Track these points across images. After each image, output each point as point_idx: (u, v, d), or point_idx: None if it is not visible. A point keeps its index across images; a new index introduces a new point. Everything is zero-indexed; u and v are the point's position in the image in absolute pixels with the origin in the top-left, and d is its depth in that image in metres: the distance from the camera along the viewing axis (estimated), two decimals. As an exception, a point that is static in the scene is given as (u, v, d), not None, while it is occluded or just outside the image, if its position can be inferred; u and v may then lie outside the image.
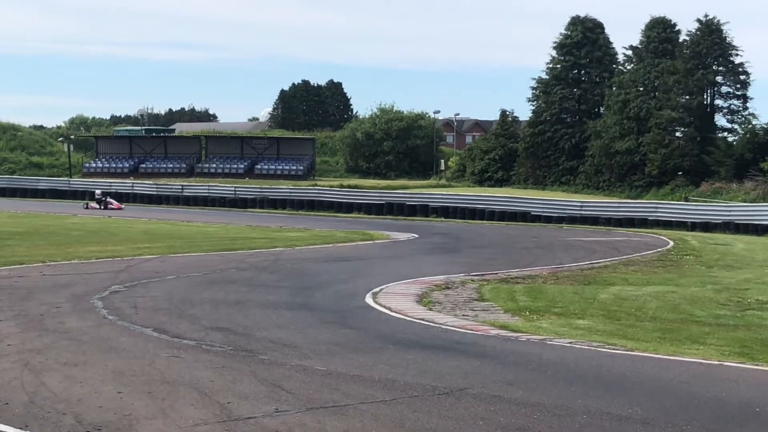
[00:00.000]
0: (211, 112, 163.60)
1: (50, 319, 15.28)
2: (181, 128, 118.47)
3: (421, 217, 55.85)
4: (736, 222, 48.17)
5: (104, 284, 20.19)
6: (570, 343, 14.24)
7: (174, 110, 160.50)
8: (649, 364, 12.69)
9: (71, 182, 73.47)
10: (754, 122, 71.18)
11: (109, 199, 57.70)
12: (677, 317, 17.66)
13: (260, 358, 12.38)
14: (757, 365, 12.70)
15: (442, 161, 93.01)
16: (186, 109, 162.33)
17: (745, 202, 56.98)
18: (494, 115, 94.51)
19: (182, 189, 66.76)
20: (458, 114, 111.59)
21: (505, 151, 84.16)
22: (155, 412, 9.30)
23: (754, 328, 16.30)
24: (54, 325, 14.77)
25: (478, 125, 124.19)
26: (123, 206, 57.54)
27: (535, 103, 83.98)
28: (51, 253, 26.85)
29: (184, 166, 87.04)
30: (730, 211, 50.70)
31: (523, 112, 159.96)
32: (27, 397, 9.86)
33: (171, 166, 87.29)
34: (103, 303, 17.38)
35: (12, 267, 23.30)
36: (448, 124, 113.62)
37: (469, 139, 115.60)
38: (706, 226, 48.46)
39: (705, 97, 74.10)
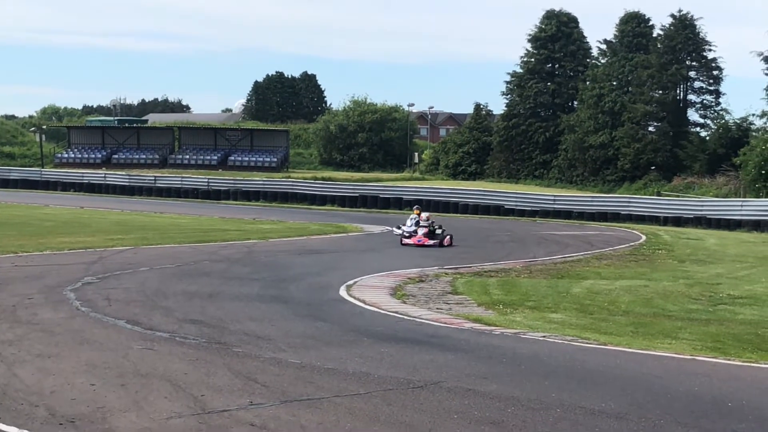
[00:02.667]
0: (184, 103, 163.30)
1: (23, 311, 15.19)
2: (154, 119, 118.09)
3: (395, 210, 55.84)
4: (708, 217, 48.37)
5: (77, 275, 20.08)
6: (543, 336, 14.28)
7: (147, 101, 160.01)
8: (622, 358, 12.74)
9: (43, 173, 73.02)
10: (726, 117, 71.63)
11: None
12: (650, 311, 17.74)
13: (234, 350, 12.34)
14: (729, 360, 12.78)
15: (416, 154, 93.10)
16: (159, 99, 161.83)
17: (717, 197, 57.30)
18: (468, 109, 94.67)
19: (155, 180, 66.45)
20: (432, 107, 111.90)
21: (478, 144, 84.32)
22: (129, 405, 9.26)
23: (726, 323, 16.40)
24: (26, 316, 14.68)
25: (452, 118, 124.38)
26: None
27: (509, 96, 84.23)
28: (23, 243, 26.69)
29: (157, 157, 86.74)
30: (702, 206, 50.94)
31: (498, 105, 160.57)
32: (-1, 389, 9.80)
33: (144, 157, 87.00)
34: (76, 294, 17.29)
35: (-17, 258, 23.14)
36: (422, 117, 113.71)
37: (443, 132, 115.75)
38: (678, 221, 48.71)
39: (678, 92, 74.46)
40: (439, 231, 31.62)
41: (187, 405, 9.33)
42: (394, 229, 34.64)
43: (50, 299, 16.66)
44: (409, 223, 33.37)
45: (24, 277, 19.70)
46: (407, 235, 31.74)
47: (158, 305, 16.40)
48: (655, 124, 73.44)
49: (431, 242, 30.74)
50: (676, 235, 39.78)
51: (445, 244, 30.98)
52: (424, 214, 32.74)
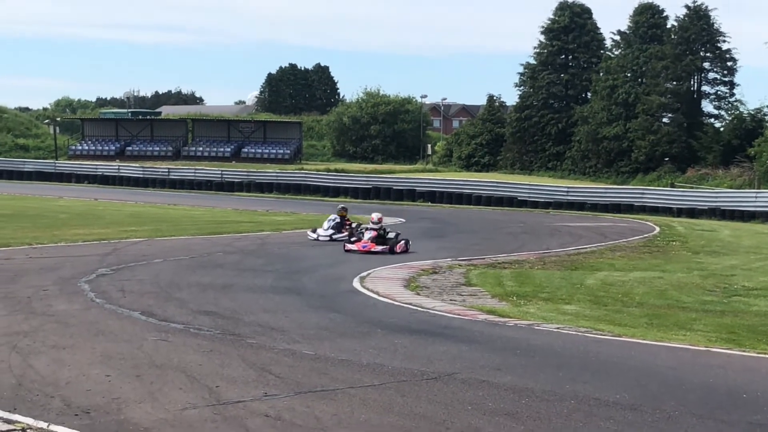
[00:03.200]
0: (197, 95, 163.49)
1: (37, 302, 15.24)
2: (168, 111, 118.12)
3: (408, 202, 55.82)
4: (722, 208, 48.25)
5: (91, 267, 20.13)
6: (557, 328, 14.26)
7: (160, 93, 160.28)
8: (636, 350, 12.72)
9: (57, 165, 73.18)
10: (741, 108, 71.40)
11: None
12: (664, 303, 17.70)
13: (248, 342, 12.36)
14: (743, 351, 12.74)
15: (429, 146, 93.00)
16: (172, 91, 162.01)
17: (731, 188, 57.15)
18: (481, 100, 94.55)
19: (169, 172, 66.53)
20: (445, 99, 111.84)
21: (492, 136, 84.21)
22: (144, 396, 9.28)
23: (740, 314, 16.36)
24: (41, 308, 14.73)
25: (465, 110, 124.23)
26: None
27: (522, 88, 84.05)
28: (37, 235, 26.76)
29: (170, 149, 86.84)
30: (716, 197, 50.82)
31: (511, 97, 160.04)
32: (15, 380, 9.83)
33: (157, 149, 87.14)
34: (91, 286, 17.33)
35: (-2, 249, 23.22)
36: (435, 108, 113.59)
37: (456, 123, 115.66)
38: (693, 212, 48.59)
39: (692, 83, 74.21)
40: (391, 235, 26.46)
41: (202, 396, 9.35)
42: (309, 231, 29.51)
43: (65, 291, 16.70)
44: (326, 225, 29.15)
45: (39, 268, 19.75)
46: (352, 240, 26.34)
47: (172, 297, 16.44)
48: (670, 115, 73.23)
49: (379, 248, 25.39)
50: (690, 227, 39.69)
51: (398, 251, 25.44)
52: (375, 215, 27.05)
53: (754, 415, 9.18)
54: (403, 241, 26.09)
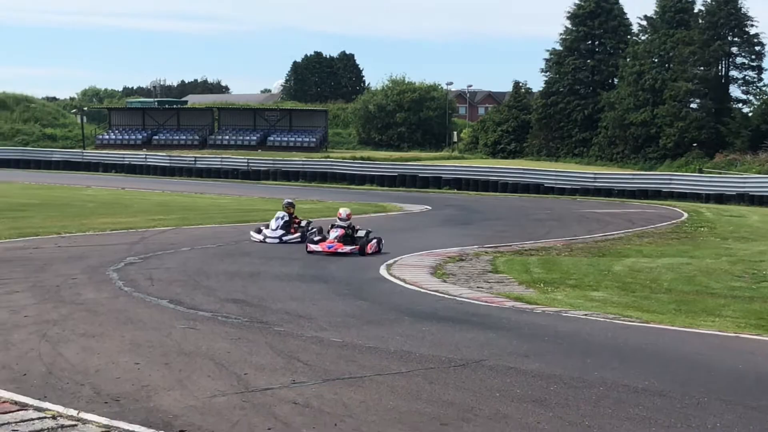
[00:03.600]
0: (223, 83, 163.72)
1: (66, 291, 15.32)
2: (194, 100, 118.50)
3: (434, 189, 55.78)
4: (751, 194, 48.01)
5: (119, 256, 20.22)
6: (585, 315, 14.23)
7: (186, 82, 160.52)
8: (665, 336, 12.68)
9: (85, 154, 73.53)
10: (769, 94, 70.95)
11: None
12: (692, 289, 17.64)
13: (276, 329, 12.39)
14: (773, 337, 12.69)
15: (455, 133, 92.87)
16: (198, 80, 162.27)
17: (759, 173, 56.78)
18: (507, 87, 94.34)
19: (195, 161, 66.72)
20: (471, 85, 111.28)
21: (517, 122, 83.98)
22: (173, 384, 9.32)
23: (769, 300, 16.27)
24: (70, 296, 14.81)
25: (491, 97, 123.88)
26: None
27: (548, 74, 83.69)
28: (66, 224, 26.90)
29: (196, 137, 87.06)
30: (744, 182, 50.54)
31: (537, 83, 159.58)
32: (45, 368, 9.89)
33: (184, 137, 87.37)
34: (119, 274, 17.41)
35: (27, 238, 23.36)
36: (460, 95, 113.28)
37: (481, 110, 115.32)
38: (721, 198, 48.34)
39: (720, 68, 73.75)
40: (361, 233, 23.03)
41: (230, 383, 9.38)
42: (252, 233, 24.96)
43: (93, 279, 16.79)
44: (273, 224, 24.80)
45: (67, 257, 19.86)
46: (315, 240, 22.76)
47: (200, 285, 16.49)
48: (697, 101, 72.80)
49: (348, 248, 22.09)
50: (718, 213, 39.49)
51: (369, 251, 22.23)
52: (343, 211, 23.60)
53: (783, 401, 9.13)
54: (374, 240, 22.68)
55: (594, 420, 8.26)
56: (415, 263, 20.66)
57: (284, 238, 24.28)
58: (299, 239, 24.10)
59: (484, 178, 56.73)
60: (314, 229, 23.93)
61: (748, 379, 10.08)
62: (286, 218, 24.90)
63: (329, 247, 22.06)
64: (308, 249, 22.17)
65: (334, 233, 22.55)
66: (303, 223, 25.18)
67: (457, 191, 54.72)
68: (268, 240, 24.13)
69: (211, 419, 8.03)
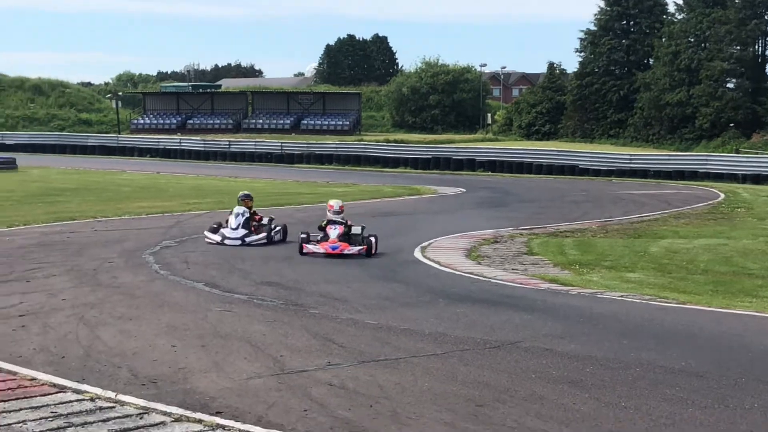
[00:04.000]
0: (256, 67, 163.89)
1: (103, 274, 15.43)
2: (228, 84, 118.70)
3: (468, 172, 55.60)
4: (789, 174, 47.53)
5: (155, 239, 20.33)
6: (621, 296, 14.18)
7: (220, 66, 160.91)
8: (701, 317, 12.63)
9: (120, 139, 73.88)
10: (807, 72, 70.26)
11: None
12: (729, 270, 17.54)
13: (311, 312, 12.43)
14: (811, 318, 12.60)
15: (489, 115, 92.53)
16: (232, 64, 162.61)
17: (797, 153, 56.25)
18: (541, 68, 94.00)
19: (229, 145, 66.84)
20: (505, 67, 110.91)
21: (552, 104, 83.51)
22: (209, 366, 9.37)
23: (807, 281, 16.14)
24: (107, 279, 14.91)
25: (525, 78, 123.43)
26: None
27: (582, 54, 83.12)
28: (102, 209, 27.09)
29: (230, 122, 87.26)
30: (782, 162, 50.05)
31: (571, 64, 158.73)
32: (83, 350, 9.97)
33: (218, 122, 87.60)
34: (155, 258, 17.52)
35: (64, 223, 23.53)
36: (494, 77, 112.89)
37: (515, 92, 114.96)
38: (758, 179, 47.83)
39: (757, 47, 73.07)
40: (356, 230, 19.53)
41: (266, 365, 9.42)
42: (207, 232, 20.47)
43: (130, 263, 16.89)
44: (234, 222, 20.45)
45: (104, 241, 19.99)
46: (314, 241, 19.06)
47: (235, 268, 16.56)
48: (734, 80, 72.12)
49: (354, 249, 18.72)
50: (755, 193, 39.19)
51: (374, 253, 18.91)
52: (335, 203, 19.86)
53: (822, 381, 9.06)
54: (373, 238, 19.21)
55: (630, 401, 8.23)
56: (449, 246, 20.65)
57: (247, 239, 20.03)
58: (264, 240, 20.25)
59: (518, 160, 56.45)
60: (279, 228, 20.80)
61: (786, 360, 10.01)
62: (247, 214, 20.63)
63: (333, 248, 18.57)
64: (304, 250, 18.58)
65: (333, 231, 19.01)
66: (265, 221, 20.90)
67: (491, 173, 54.52)
68: (227, 242, 19.80)
69: (247, 401, 8.07)
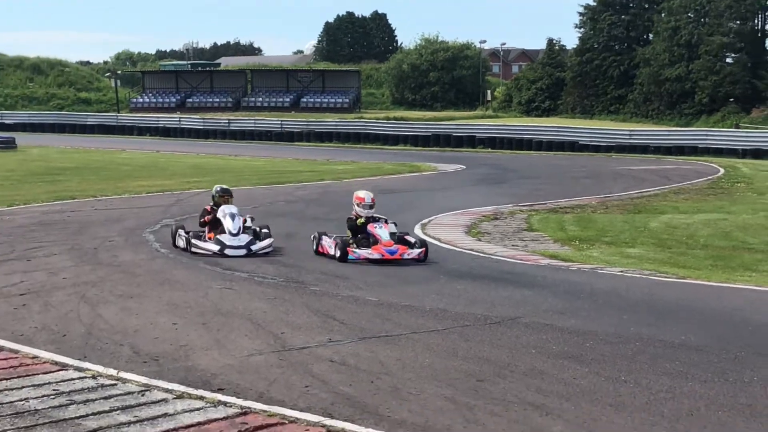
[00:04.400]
0: (255, 45, 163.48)
1: (104, 253, 15.45)
2: (227, 62, 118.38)
3: (468, 148, 55.60)
4: (789, 148, 47.47)
5: (155, 218, 20.37)
6: (621, 271, 14.21)
7: (219, 44, 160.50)
8: (701, 292, 12.65)
9: (119, 117, 73.81)
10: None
11: None
12: (729, 245, 17.56)
13: (311, 289, 12.46)
14: (811, 292, 12.63)
15: (489, 92, 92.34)
16: (231, 43, 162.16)
17: (797, 128, 56.16)
18: (541, 44, 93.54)
19: (229, 123, 66.81)
20: (504, 43, 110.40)
21: (552, 80, 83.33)
22: (210, 343, 9.40)
23: (807, 255, 16.17)
24: (108, 258, 14.94)
25: (525, 55, 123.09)
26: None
27: (582, 30, 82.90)
28: (102, 187, 27.11)
29: (230, 100, 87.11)
30: (781, 137, 49.99)
31: (571, 40, 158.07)
32: (84, 328, 10.00)
33: (217, 100, 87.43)
34: (155, 236, 17.55)
35: (64, 202, 23.56)
36: (494, 53, 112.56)
37: (515, 68, 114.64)
38: (758, 153, 47.79)
39: (756, 21, 72.88)
40: (392, 228, 15.78)
41: (267, 342, 9.45)
42: (196, 241, 15.73)
43: (130, 241, 16.92)
44: (233, 226, 15.95)
45: (104, 220, 20.01)
46: (352, 243, 15.41)
47: (236, 246, 16.55)
48: (733, 55, 71.96)
49: (414, 253, 15.02)
50: (755, 168, 39.16)
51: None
52: (365, 195, 16.24)
53: (822, 355, 9.09)
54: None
55: (630, 375, 8.26)
56: (449, 222, 20.68)
57: (253, 248, 15.62)
58: (271, 248, 15.91)
59: (518, 137, 56.42)
60: (267, 231, 16.43)
61: (785, 334, 10.04)
62: (245, 220, 16.38)
63: (391, 252, 15.00)
64: (351, 256, 15.00)
65: (382, 230, 15.47)
66: (248, 222, 16.52)
67: (491, 150, 54.50)
68: (229, 252, 15.37)
69: (249, 378, 8.10)
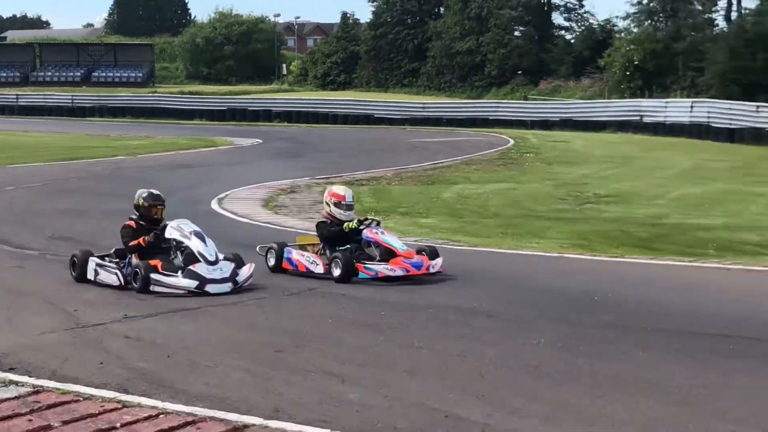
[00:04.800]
0: (44, 18, 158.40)
1: None
2: (13, 36, 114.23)
3: (264, 123, 55.36)
4: (575, 119, 49.08)
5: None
6: (415, 240, 14.45)
7: (4, 18, 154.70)
8: (492, 259, 13.05)
9: None
10: (590, 20, 72.73)
11: None
12: (518, 213, 18.13)
13: (106, 266, 12.23)
14: (595, 256, 13.20)
15: (284, 66, 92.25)
16: (17, 16, 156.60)
17: (582, 99, 58.25)
18: (335, 18, 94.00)
19: (17, 98, 64.63)
20: (299, 17, 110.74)
21: (346, 54, 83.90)
22: (1, 323, 9.15)
23: (591, 221, 16.88)
24: None
25: (320, 29, 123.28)
26: None
27: (375, 3, 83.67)
28: None
29: (17, 75, 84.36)
30: (568, 108, 51.71)
31: (365, 14, 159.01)
32: None
33: (4, 75, 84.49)
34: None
35: None
36: (289, 27, 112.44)
37: (310, 42, 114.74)
38: (546, 124, 49.25)
39: (543, -5, 75.10)
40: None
41: (61, 320, 9.27)
42: (158, 277, 10.65)
43: None
44: (209, 251, 11.13)
45: None
46: (371, 258, 11.70)
47: (27, 223, 16.17)
48: (521, 28, 74.02)
49: (438, 265, 11.57)
50: (543, 139, 40.42)
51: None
52: (345, 192, 12.53)
53: (604, 315, 9.53)
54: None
55: (423, 341, 8.43)
56: (246, 196, 20.65)
57: (239, 279, 10.91)
58: (251, 275, 11.08)
59: (314, 111, 56.53)
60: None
61: (571, 297, 10.45)
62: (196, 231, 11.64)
63: (417, 266, 11.46)
64: (365, 274, 11.33)
65: (393, 237, 12.15)
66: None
67: (287, 124, 54.45)
68: (211, 288, 10.61)
69: (41, 356, 7.89)
